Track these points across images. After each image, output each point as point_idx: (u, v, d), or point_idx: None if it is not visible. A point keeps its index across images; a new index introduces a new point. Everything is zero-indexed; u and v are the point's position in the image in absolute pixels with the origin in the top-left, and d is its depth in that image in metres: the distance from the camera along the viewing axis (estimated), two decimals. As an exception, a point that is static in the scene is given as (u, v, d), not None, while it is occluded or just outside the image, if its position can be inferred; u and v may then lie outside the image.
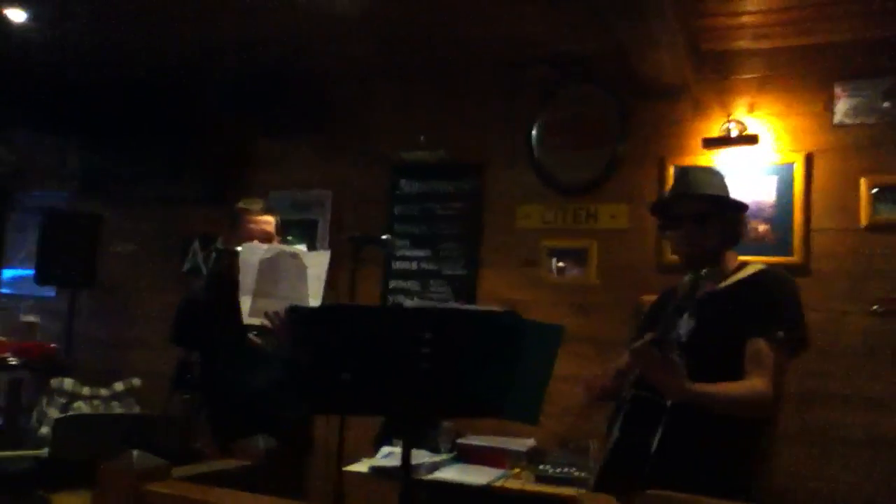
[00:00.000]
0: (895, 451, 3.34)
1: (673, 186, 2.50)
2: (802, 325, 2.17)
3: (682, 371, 1.98)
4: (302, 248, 4.37)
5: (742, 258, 2.41)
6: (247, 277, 2.58)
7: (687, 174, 2.44)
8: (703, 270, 2.02)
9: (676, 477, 1.58)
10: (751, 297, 2.19)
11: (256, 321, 2.57)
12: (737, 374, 2.09)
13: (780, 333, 2.10)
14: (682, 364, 2.01)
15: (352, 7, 3.52)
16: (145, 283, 5.03)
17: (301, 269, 2.63)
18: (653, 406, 2.07)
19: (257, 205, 2.97)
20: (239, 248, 2.73)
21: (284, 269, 2.64)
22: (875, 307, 3.43)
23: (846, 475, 3.37)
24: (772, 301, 2.18)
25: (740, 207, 2.38)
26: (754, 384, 2.05)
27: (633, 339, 2.56)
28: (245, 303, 2.57)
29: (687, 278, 2.10)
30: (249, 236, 2.83)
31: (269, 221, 2.92)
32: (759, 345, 2.09)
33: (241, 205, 2.97)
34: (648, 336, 1.98)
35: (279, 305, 2.52)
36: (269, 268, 2.61)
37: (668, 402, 2.07)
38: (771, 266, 2.37)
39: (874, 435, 3.38)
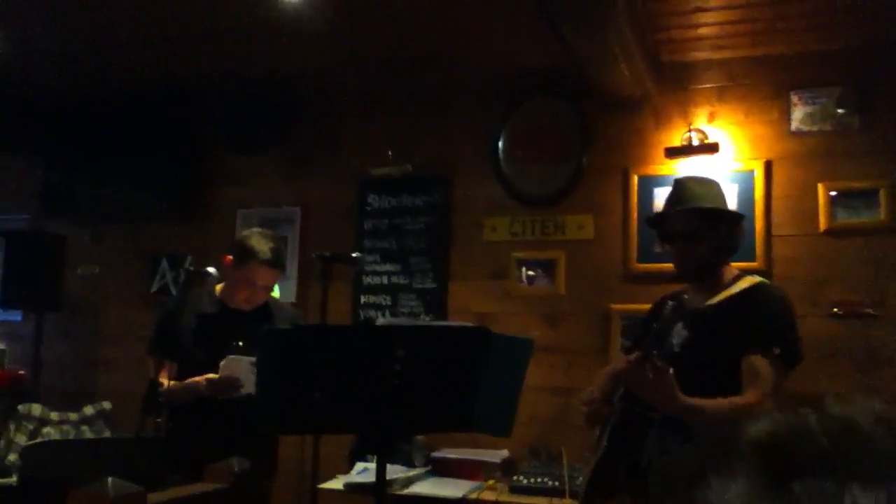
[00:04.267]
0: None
1: (667, 200, 2.44)
2: (797, 340, 2.19)
3: (674, 383, 1.99)
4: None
5: (736, 265, 2.40)
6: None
7: (681, 187, 2.40)
8: (669, 302, 2.00)
9: None
10: (745, 312, 2.20)
11: None
12: (728, 387, 2.10)
13: (777, 349, 2.12)
14: (673, 376, 2.02)
15: (314, 18, 3.53)
16: (112, 304, 4.97)
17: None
18: (640, 419, 2.08)
19: (270, 255, 2.77)
20: (211, 270, 2.73)
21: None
22: (835, 310, 3.52)
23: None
24: (767, 317, 2.19)
25: (735, 219, 2.38)
26: (748, 399, 2.07)
27: (628, 348, 2.59)
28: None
29: (669, 305, 2.12)
30: (253, 286, 2.81)
31: (277, 276, 2.88)
32: (755, 361, 2.11)
33: (259, 247, 2.75)
34: (636, 354, 2.00)
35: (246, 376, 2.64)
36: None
37: (658, 416, 2.08)
38: (764, 281, 2.36)
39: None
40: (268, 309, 2.92)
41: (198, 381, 2.68)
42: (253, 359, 2.62)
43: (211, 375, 2.66)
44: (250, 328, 2.74)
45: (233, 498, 1.77)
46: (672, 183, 2.53)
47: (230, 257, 2.83)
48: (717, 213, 2.33)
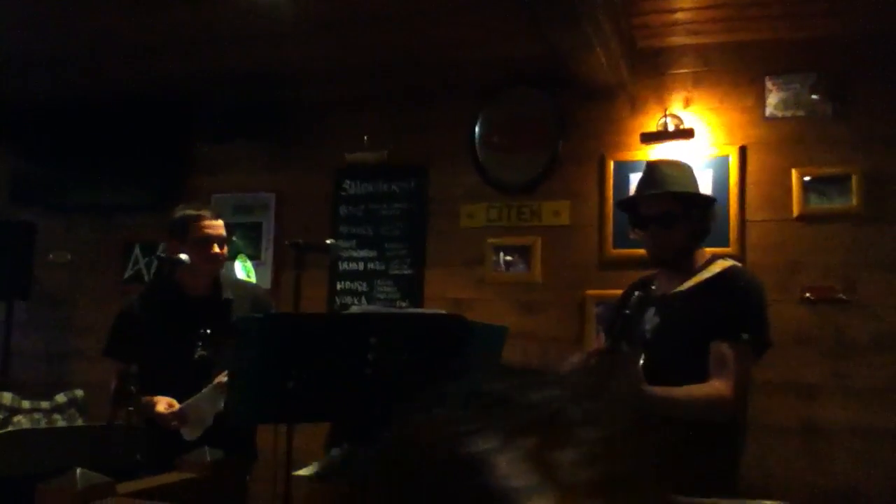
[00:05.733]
0: (827, 437, 3.47)
1: (639, 184, 2.40)
2: (767, 327, 2.16)
3: (640, 376, 1.99)
4: (247, 267, 4.34)
5: (710, 250, 2.38)
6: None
7: (653, 171, 2.34)
8: (627, 312, 1.98)
9: None
10: (715, 297, 2.16)
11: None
12: (701, 372, 2.08)
13: (745, 336, 2.09)
14: (640, 369, 2.01)
15: (290, 12, 3.49)
16: (84, 293, 4.91)
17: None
18: None
19: (206, 210, 2.86)
20: (183, 257, 2.69)
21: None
22: (807, 295, 3.55)
23: (780, 462, 3.48)
24: (736, 303, 2.15)
25: (708, 202, 2.34)
26: (715, 387, 2.04)
27: (607, 333, 2.58)
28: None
29: (636, 295, 2.10)
30: (206, 241, 2.77)
31: (221, 225, 2.86)
32: (723, 347, 2.08)
33: (188, 211, 2.83)
34: (602, 346, 1.99)
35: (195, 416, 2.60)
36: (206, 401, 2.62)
37: None
38: (736, 265, 2.31)
39: (806, 422, 3.50)
40: (227, 296, 2.87)
41: (154, 405, 2.64)
42: (216, 399, 2.58)
43: (164, 406, 2.63)
44: (214, 315, 2.71)
45: (205, 488, 1.76)
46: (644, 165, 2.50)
47: (173, 241, 2.82)
48: (690, 196, 2.29)
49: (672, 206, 2.25)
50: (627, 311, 2.20)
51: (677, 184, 2.28)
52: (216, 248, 2.78)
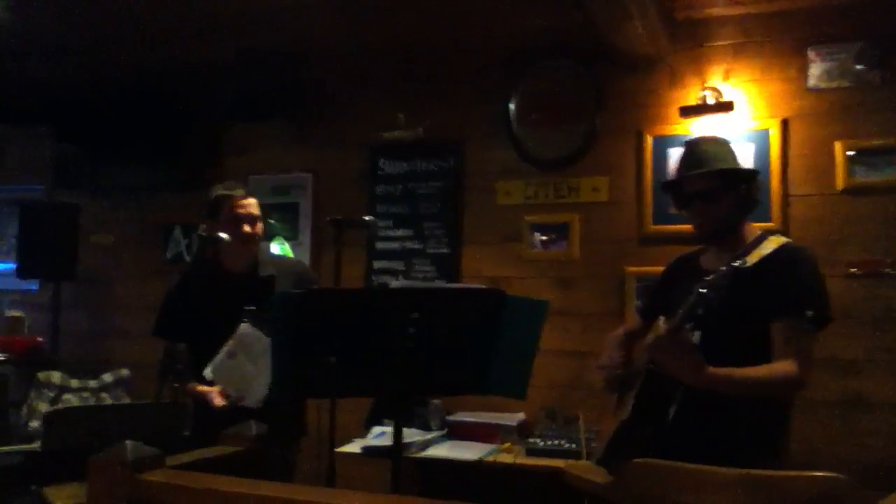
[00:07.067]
0: (870, 411, 3.43)
1: (680, 163, 2.38)
2: (828, 302, 2.14)
3: (700, 358, 1.96)
4: (285, 248, 4.36)
5: (756, 225, 2.34)
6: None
7: (693, 149, 2.33)
8: (703, 290, 1.89)
9: (691, 451, 1.58)
10: (775, 276, 2.12)
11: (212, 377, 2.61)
12: (758, 351, 2.06)
13: (810, 313, 2.07)
14: (700, 349, 1.99)
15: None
16: (127, 273, 5.01)
17: (265, 348, 2.52)
18: (668, 380, 2.05)
19: (239, 189, 2.90)
20: (223, 235, 2.72)
21: (253, 348, 2.60)
22: (852, 270, 3.48)
23: (823, 436, 3.44)
24: (797, 280, 2.12)
25: (751, 175, 2.31)
26: (782, 366, 2.02)
27: (645, 310, 2.56)
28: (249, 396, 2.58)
29: (695, 290, 2.02)
30: (237, 221, 2.80)
31: (253, 204, 2.88)
32: (787, 326, 2.06)
33: (221, 191, 2.87)
34: (666, 327, 1.97)
35: (241, 383, 2.59)
36: (243, 344, 2.61)
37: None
38: (791, 242, 2.27)
39: (850, 396, 3.45)
40: (270, 272, 2.89)
41: (210, 400, 2.68)
42: (229, 349, 2.60)
43: (219, 400, 2.64)
44: (258, 291, 2.74)
45: (251, 461, 1.78)
46: (683, 144, 2.48)
47: (207, 220, 2.85)
48: (732, 172, 2.27)
49: (716, 182, 2.23)
50: (678, 289, 2.17)
51: (720, 160, 2.26)
52: (247, 228, 2.80)
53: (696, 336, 2.06)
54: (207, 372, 2.62)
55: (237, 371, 2.62)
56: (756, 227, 2.32)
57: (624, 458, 1.87)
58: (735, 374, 2.01)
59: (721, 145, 2.35)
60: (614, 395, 2.34)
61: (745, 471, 1.29)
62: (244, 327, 2.62)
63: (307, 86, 4.56)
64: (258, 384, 2.55)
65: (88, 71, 4.72)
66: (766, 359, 2.06)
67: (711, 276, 1.91)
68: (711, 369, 1.97)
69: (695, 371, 1.96)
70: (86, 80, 4.76)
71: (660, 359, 2.01)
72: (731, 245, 2.25)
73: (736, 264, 1.91)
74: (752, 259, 2.15)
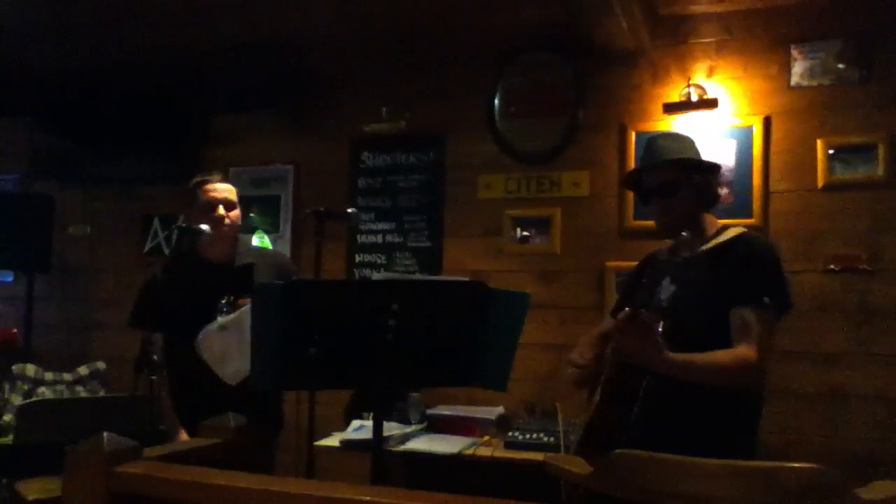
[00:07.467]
0: (847, 403, 3.47)
1: (640, 158, 2.43)
2: (786, 288, 2.16)
3: (661, 343, 1.98)
4: (265, 241, 4.32)
5: (722, 221, 2.38)
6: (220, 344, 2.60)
7: (650, 144, 2.38)
8: (683, 233, 1.99)
9: (657, 441, 1.59)
10: (732, 262, 2.15)
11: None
12: (718, 338, 2.08)
13: (767, 299, 2.09)
14: (662, 334, 2.01)
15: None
16: (104, 265, 4.94)
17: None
18: (633, 372, 2.06)
19: (215, 175, 2.90)
20: (204, 227, 2.69)
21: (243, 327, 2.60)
22: (831, 266, 3.51)
23: (800, 428, 3.49)
24: (755, 267, 2.14)
25: (710, 169, 2.34)
26: (739, 352, 2.04)
27: (616, 308, 2.57)
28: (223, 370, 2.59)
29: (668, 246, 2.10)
30: (210, 205, 2.77)
31: (229, 190, 2.86)
32: (745, 312, 2.07)
33: (197, 179, 2.88)
34: (625, 312, 1.98)
35: (220, 356, 2.60)
36: (233, 329, 2.60)
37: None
38: (749, 231, 2.31)
39: (827, 389, 3.49)
40: (249, 261, 2.87)
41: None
42: (223, 322, 2.59)
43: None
44: (236, 280, 2.71)
45: (230, 453, 1.76)
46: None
47: (185, 208, 2.87)
48: (689, 163, 2.31)
49: (671, 175, 2.28)
50: (645, 281, 2.20)
51: (673, 152, 2.31)
52: (221, 211, 2.78)
53: (660, 325, 2.08)
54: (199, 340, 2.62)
55: (221, 343, 2.61)
56: (718, 221, 2.36)
57: (595, 449, 1.90)
58: (695, 358, 2.04)
59: (679, 141, 2.41)
60: (585, 392, 2.36)
61: (729, 461, 1.29)
62: (249, 308, 2.60)
63: (289, 78, 4.51)
64: (238, 363, 2.52)
65: (67, 60, 4.65)
66: (727, 346, 2.08)
67: (660, 260, 1.95)
68: (671, 354, 1.99)
69: (655, 353, 1.98)
70: (64, 70, 4.68)
71: (620, 341, 2.03)
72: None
73: (683, 234, 2.01)
74: (704, 249, 2.21)
